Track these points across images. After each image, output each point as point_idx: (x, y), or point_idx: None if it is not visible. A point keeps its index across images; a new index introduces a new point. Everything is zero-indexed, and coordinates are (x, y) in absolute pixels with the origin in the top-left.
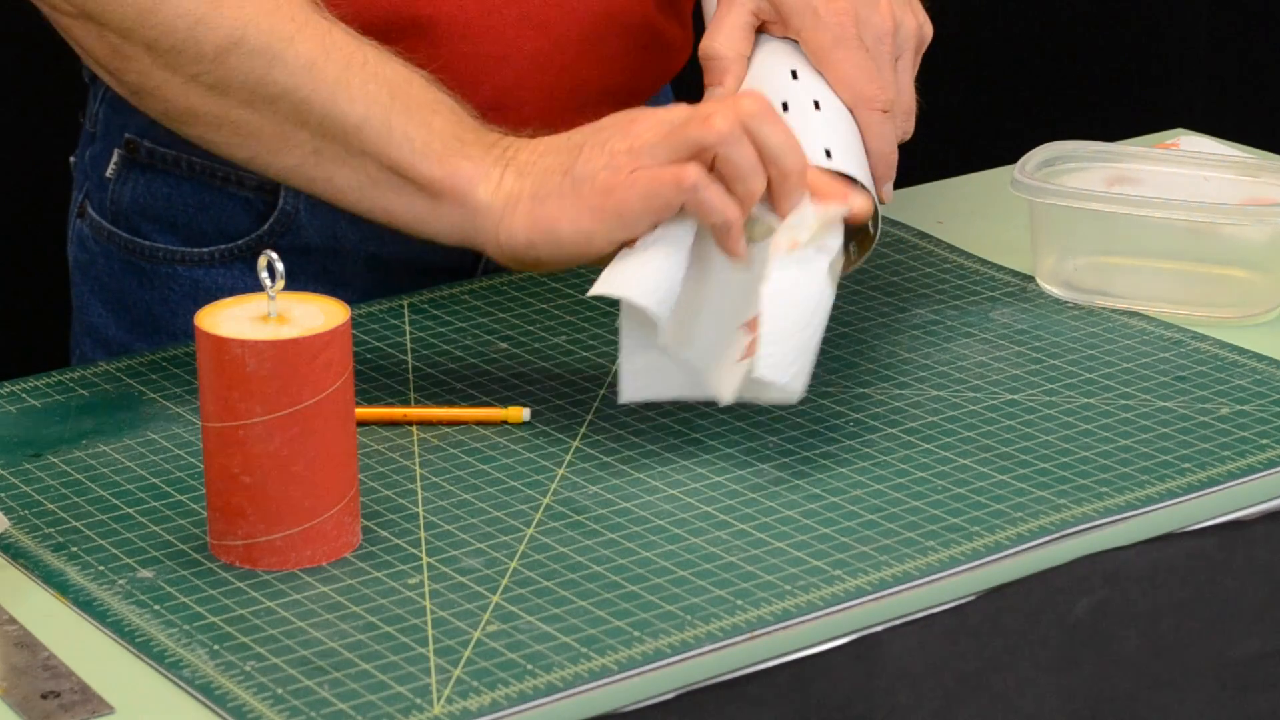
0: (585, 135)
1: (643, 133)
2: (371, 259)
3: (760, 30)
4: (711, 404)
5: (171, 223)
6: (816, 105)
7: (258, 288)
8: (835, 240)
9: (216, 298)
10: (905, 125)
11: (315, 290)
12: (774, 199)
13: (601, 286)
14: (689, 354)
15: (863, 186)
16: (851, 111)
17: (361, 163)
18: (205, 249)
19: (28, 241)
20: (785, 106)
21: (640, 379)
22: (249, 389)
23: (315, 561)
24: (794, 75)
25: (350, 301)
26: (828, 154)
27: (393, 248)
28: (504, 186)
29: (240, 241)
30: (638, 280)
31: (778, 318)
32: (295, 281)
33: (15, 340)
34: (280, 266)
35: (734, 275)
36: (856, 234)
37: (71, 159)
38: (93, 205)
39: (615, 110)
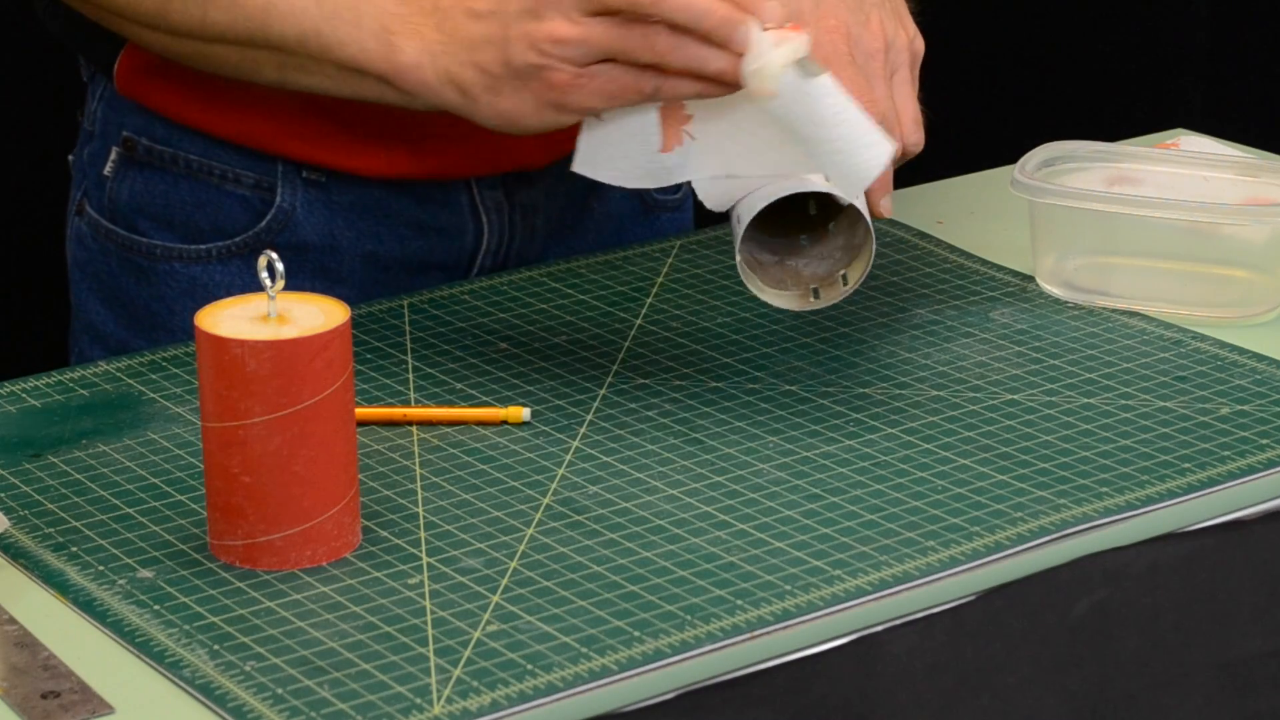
0: (493, 8)
1: (548, 13)
2: (368, 256)
3: None
4: (710, 402)
5: (169, 220)
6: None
7: (255, 285)
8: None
9: (214, 295)
10: (914, 137)
11: (312, 287)
12: (724, 41)
13: (580, 166)
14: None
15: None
16: None
17: (321, 68)
18: (203, 246)
19: (27, 241)
20: None
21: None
22: (249, 389)
23: (315, 561)
24: None
25: (347, 298)
26: (826, 178)
27: (389, 245)
28: (449, 72)
29: (238, 239)
30: (613, 161)
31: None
32: (292, 279)
33: (15, 340)
34: (280, 266)
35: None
36: (850, 254)
37: (70, 158)
38: (91, 203)
39: None
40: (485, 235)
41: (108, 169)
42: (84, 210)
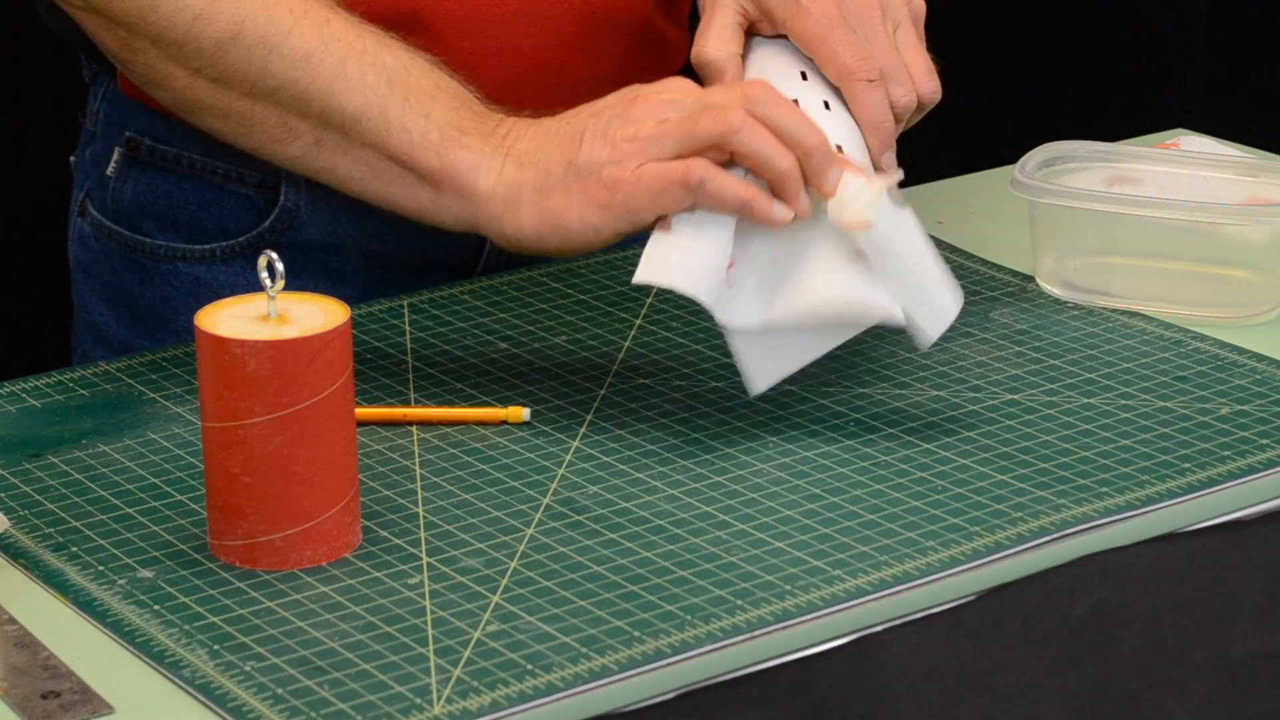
0: (584, 120)
1: (644, 119)
2: (372, 256)
3: (750, 32)
4: (710, 403)
5: (173, 220)
6: (826, 105)
7: (259, 285)
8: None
9: (218, 295)
10: (928, 86)
11: (316, 287)
12: (810, 180)
13: (645, 275)
14: (794, 316)
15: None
16: (840, 89)
17: (363, 153)
18: (207, 246)
19: (27, 241)
20: (796, 103)
21: (762, 363)
22: (249, 389)
23: (315, 561)
24: (804, 76)
25: (351, 298)
26: (839, 149)
27: (393, 245)
28: (505, 176)
29: (242, 238)
30: (680, 269)
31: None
32: (296, 279)
33: (15, 340)
34: (280, 266)
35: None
36: None
37: (72, 158)
38: (94, 204)
39: None
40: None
41: (110, 169)
42: (86, 211)
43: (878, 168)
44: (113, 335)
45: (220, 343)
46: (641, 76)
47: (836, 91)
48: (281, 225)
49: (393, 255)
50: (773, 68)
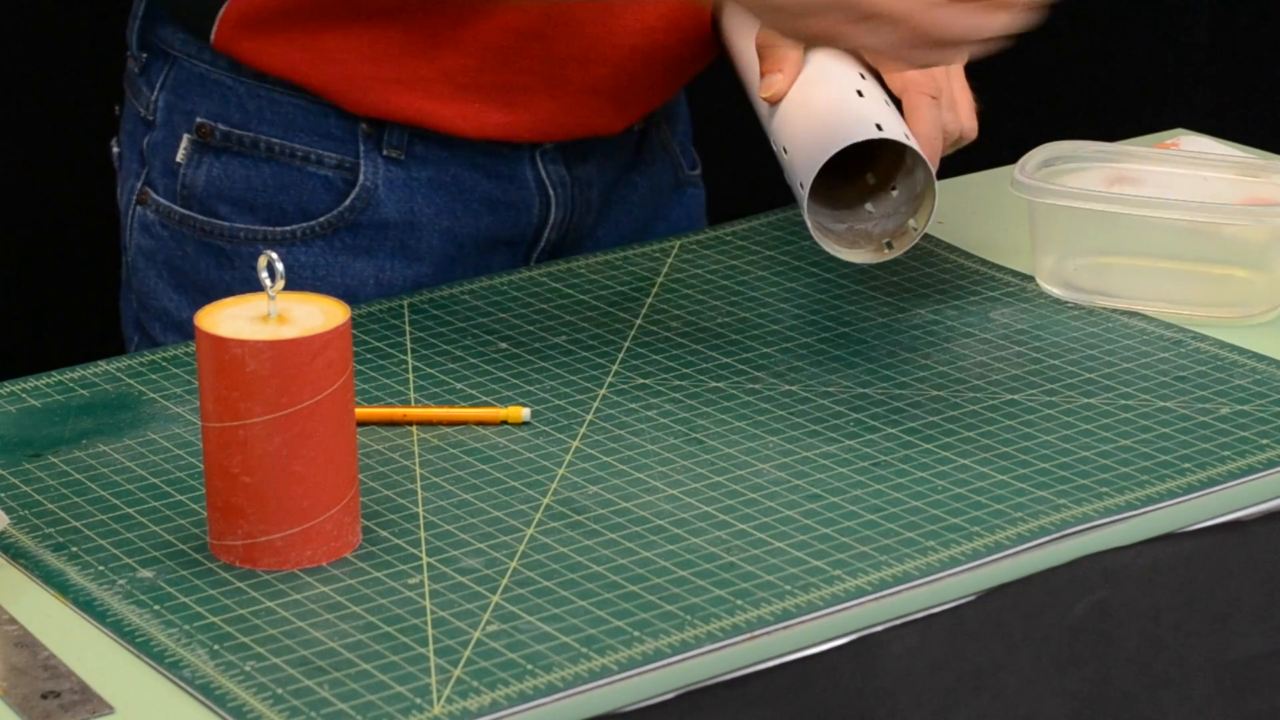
0: None
1: None
2: (446, 233)
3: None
4: (710, 402)
5: (250, 204)
6: (886, 102)
7: (338, 265)
8: None
9: (299, 275)
10: (971, 122)
11: (393, 265)
12: None
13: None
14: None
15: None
16: (900, 98)
17: None
18: (287, 228)
19: (27, 241)
20: (860, 93)
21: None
22: (249, 389)
23: (315, 561)
24: (862, 76)
25: (426, 276)
26: (879, 127)
27: (465, 222)
28: None
29: (321, 219)
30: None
31: None
32: (372, 258)
33: (15, 340)
34: (280, 266)
35: None
36: (914, 204)
37: (114, 148)
38: (157, 190)
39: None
40: (552, 209)
41: (180, 155)
42: (148, 199)
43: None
44: (184, 320)
45: (220, 343)
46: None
47: (891, 106)
48: (360, 205)
49: (464, 233)
50: (833, 64)
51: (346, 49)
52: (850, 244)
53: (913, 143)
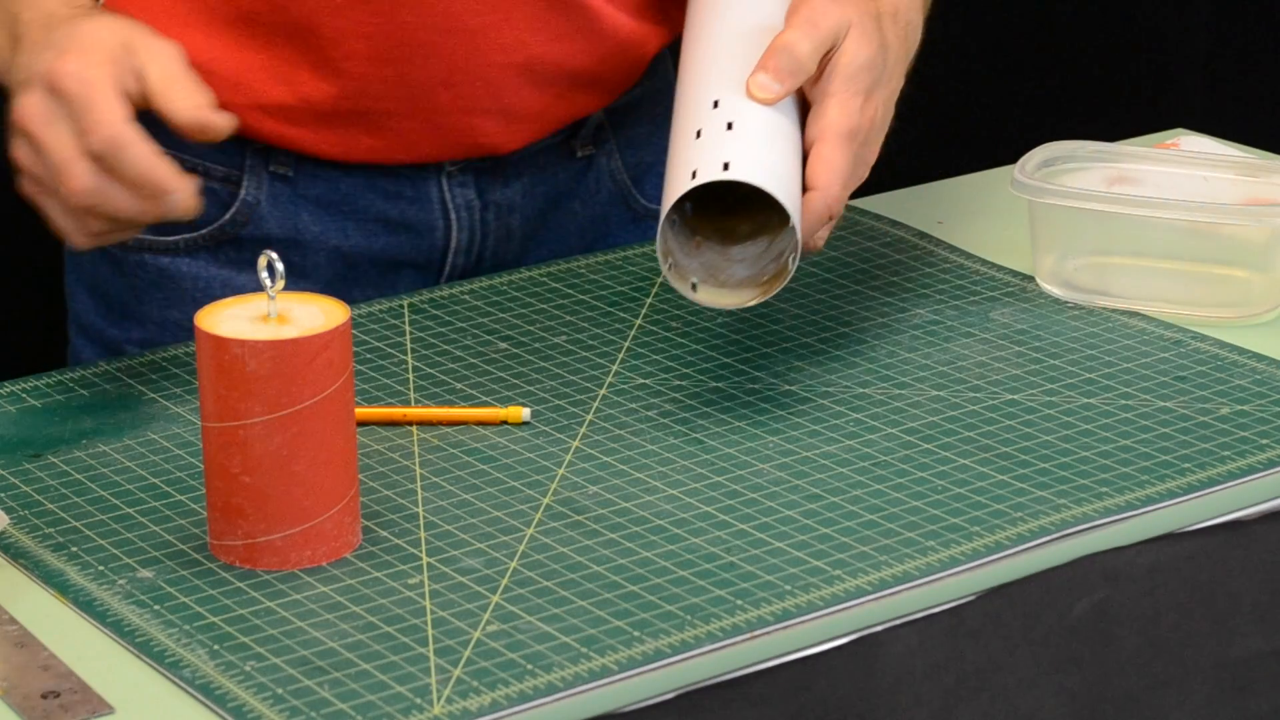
0: None
1: None
2: (334, 252)
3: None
4: (710, 402)
5: None
6: (729, 126)
7: (220, 278)
8: None
9: (181, 287)
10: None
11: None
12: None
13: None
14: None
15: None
16: (808, 147)
17: None
18: (171, 238)
19: (27, 241)
20: (698, 134)
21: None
22: (249, 389)
23: (315, 561)
24: (715, 105)
25: (314, 292)
26: (725, 166)
27: (356, 241)
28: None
29: (204, 230)
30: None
31: None
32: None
33: (15, 340)
34: (280, 266)
35: None
36: (773, 261)
37: None
38: None
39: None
40: (454, 233)
41: None
42: None
43: (811, 234)
44: (91, 325)
45: (220, 343)
46: (555, 42)
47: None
48: (242, 218)
49: (355, 252)
50: (703, 77)
51: (214, 76)
52: (719, 285)
53: (790, 206)
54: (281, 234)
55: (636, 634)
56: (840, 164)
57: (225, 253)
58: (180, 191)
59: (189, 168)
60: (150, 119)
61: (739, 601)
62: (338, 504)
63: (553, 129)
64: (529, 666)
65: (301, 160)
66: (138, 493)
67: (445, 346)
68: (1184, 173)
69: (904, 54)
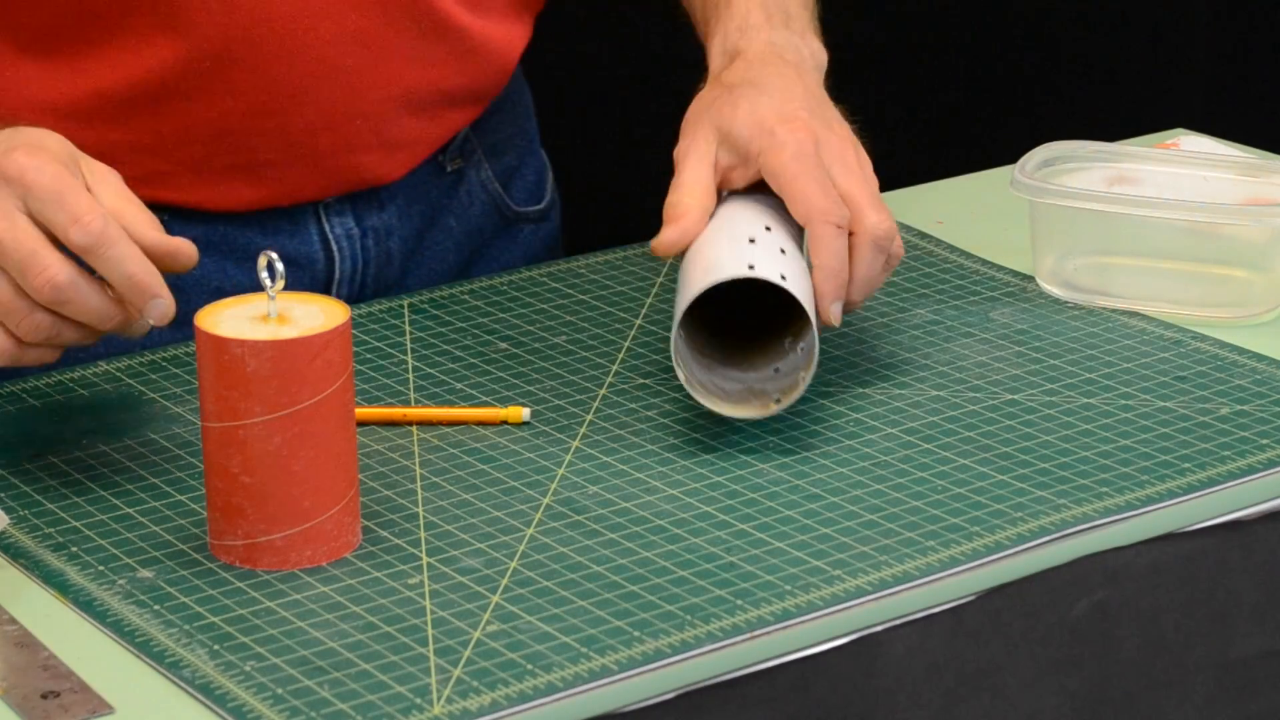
0: None
1: None
2: (216, 293)
3: (721, 187)
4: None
5: None
6: (782, 251)
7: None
8: None
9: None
10: (892, 254)
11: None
12: None
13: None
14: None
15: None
16: (806, 229)
17: None
18: None
19: None
20: (752, 240)
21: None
22: (249, 389)
23: (315, 561)
24: (768, 229)
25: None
26: (783, 277)
27: (237, 279)
28: None
29: None
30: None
31: None
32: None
33: None
34: (280, 266)
35: None
36: (795, 358)
37: None
38: None
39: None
40: (337, 264)
41: None
42: None
43: (823, 315)
44: None
45: (220, 343)
46: (431, 68)
47: (797, 239)
48: None
49: (240, 291)
50: (740, 216)
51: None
52: (740, 401)
53: (788, 285)
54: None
55: (636, 634)
56: (833, 246)
57: None
58: (164, 299)
59: None
60: None
61: (739, 601)
62: (337, 504)
63: (432, 151)
64: (529, 666)
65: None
66: (138, 493)
67: (445, 346)
68: (1184, 173)
69: (811, 70)
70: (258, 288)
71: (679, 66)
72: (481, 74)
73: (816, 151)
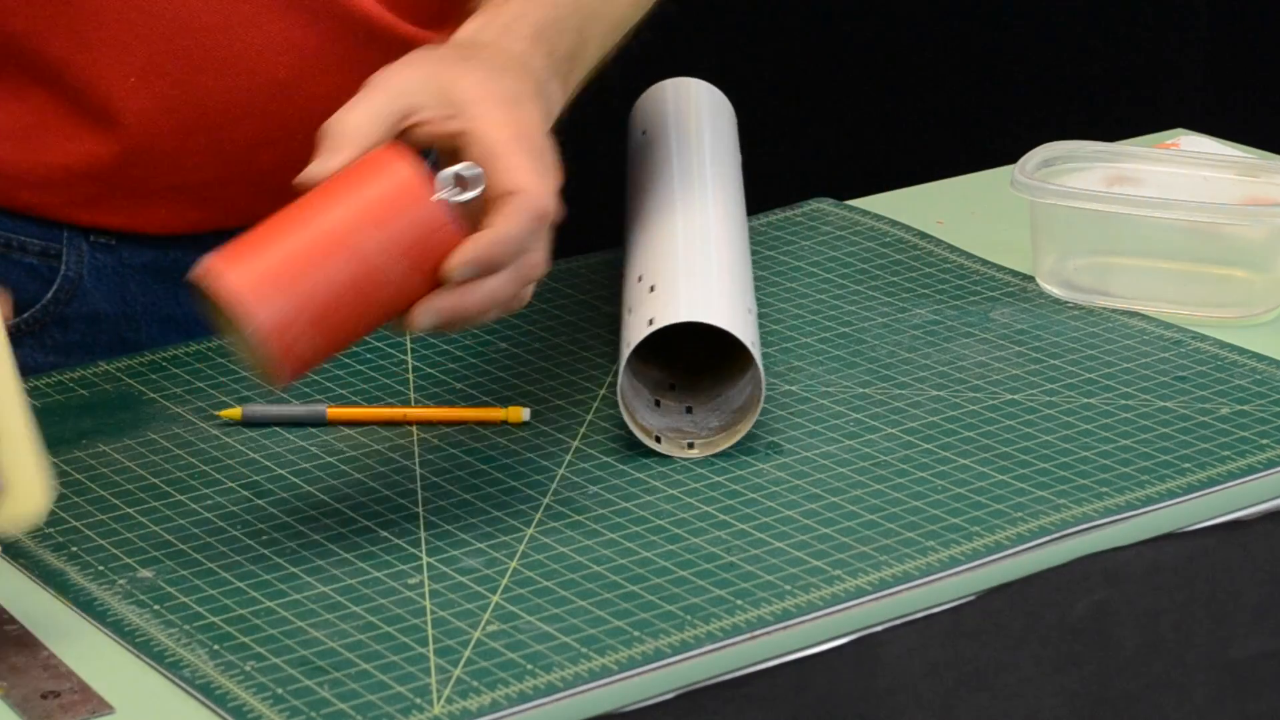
0: None
1: None
2: (167, 320)
3: (409, 130)
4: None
5: None
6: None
7: (47, 365)
8: None
9: None
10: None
11: (109, 358)
12: None
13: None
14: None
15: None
16: (502, 200)
17: None
18: None
19: None
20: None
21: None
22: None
23: (268, 349)
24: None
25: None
26: (650, 322)
27: (188, 307)
28: None
29: (26, 314)
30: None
31: None
32: (90, 353)
33: None
34: (476, 171)
35: None
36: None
37: None
38: None
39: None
40: None
41: None
42: None
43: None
44: None
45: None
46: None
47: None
48: (64, 296)
49: (188, 318)
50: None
51: (24, 169)
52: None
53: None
54: (111, 309)
55: (636, 634)
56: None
57: (51, 335)
58: None
59: (3, 244)
60: None
61: (739, 601)
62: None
63: None
64: (529, 666)
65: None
66: (138, 493)
67: (445, 346)
68: (1184, 173)
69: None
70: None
71: (658, 67)
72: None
73: (537, 141)
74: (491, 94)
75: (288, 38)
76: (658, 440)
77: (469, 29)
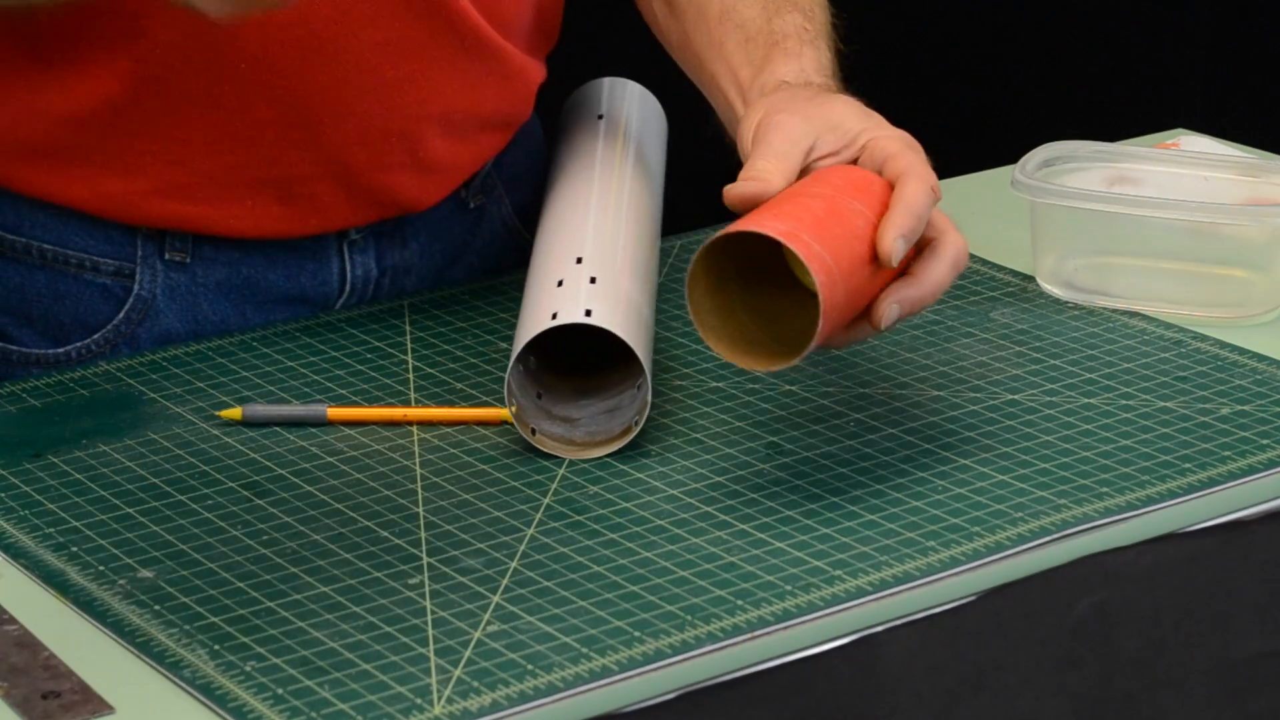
0: None
1: None
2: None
3: (814, 162)
4: (710, 402)
5: (28, 315)
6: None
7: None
8: None
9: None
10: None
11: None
12: None
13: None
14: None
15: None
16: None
17: None
18: (62, 349)
19: None
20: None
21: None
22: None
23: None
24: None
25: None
26: (588, 313)
27: (253, 321)
28: None
29: (98, 335)
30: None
31: None
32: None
33: None
34: None
35: None
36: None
37: None
38: None
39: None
40: (344, 298)
41: None
42: None
43: (882, 255)
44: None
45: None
46: (469, 88)
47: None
48: (137, 316)
49: (252, 329)
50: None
51: (103, 162)
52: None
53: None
54: (183, 328)
55: (637, 634)
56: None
57: (120, 356)
58: None
59: (75, 263)
60: (34, 215)
61: (739, 601)
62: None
63: (464, 178)
64: (529, 666)
65: (199, 242)
66: (138, 493)
67: (445, 346)
68: (1184, 173)
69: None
70: (272, 319)
71: (673, 95)
72: (514, 98)
73: (908, 139)
74: (860, 117)
75: (401, 37)
76: (533, 433)
77: (787, 74)
